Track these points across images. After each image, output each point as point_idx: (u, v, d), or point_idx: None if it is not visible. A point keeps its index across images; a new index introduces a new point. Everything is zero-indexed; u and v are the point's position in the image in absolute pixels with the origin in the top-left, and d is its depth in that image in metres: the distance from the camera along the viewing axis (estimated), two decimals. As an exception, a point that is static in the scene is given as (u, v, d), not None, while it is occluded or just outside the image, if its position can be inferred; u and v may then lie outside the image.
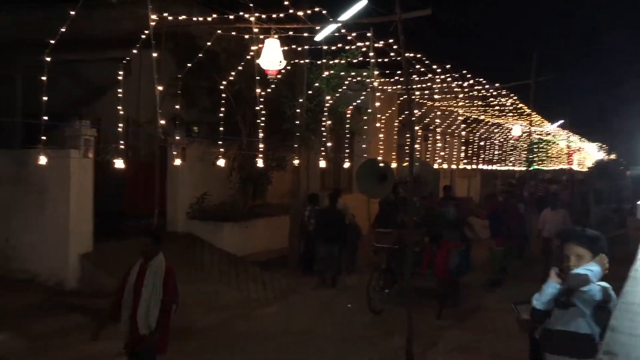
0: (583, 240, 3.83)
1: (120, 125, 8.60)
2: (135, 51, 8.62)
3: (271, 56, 7.47)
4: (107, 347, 7.93)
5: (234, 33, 9.46)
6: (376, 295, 10.05)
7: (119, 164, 7.32)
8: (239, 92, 12.36)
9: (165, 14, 8.32)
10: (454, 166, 24.15)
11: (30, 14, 15.74)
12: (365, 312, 9.82)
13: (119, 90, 8.74)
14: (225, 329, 9.11)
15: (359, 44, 10.10)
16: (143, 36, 8.00)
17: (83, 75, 15.55)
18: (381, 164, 11.19)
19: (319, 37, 10.28)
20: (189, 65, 9.83)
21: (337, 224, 12.16)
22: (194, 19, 9.01)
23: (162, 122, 8.91)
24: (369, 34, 9.59)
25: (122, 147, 8.45)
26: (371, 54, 9.87)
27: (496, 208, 12.33)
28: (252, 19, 7.77)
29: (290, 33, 9.02)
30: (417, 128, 19.24)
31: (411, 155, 6.76)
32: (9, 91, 15.92)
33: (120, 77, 8.88)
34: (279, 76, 9.18)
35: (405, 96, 11.39)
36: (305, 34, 9.73)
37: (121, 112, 8.51)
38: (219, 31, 9.45)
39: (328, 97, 11.76)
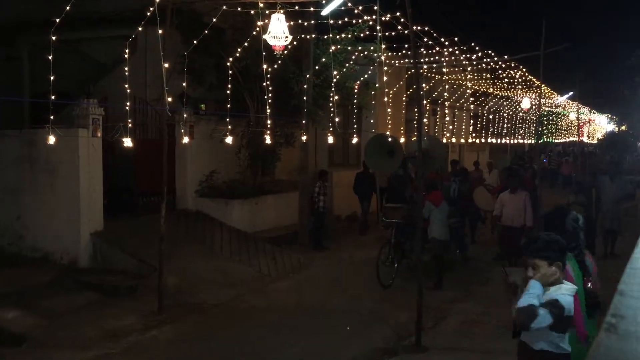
0: (536, 252, 3.78)
1: (128, 103, 8.59)
2: (141, 29, 8.59)
3: (277, 31, 7.43)
4: (126, 323, 8.10)
5: (239, 9, 9.40)
6: (385, 270, 10.09)
7: (127, 142, 7.34)
8: (246, 68, 12.31)
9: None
10: (462, 140, 24.05)
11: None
12: (375, 287, 9.88)
13: (126, 68, 8.72)
14: (238, 305, 9.21)
15: (365, 17, 10.01)
16: (148, 13, 7.98)
17: (90, 54, 15.52)
18: (389, 139, 11.15)
19: (325, 12, 10.19)
20: (195, 42, 9.80)
21: (369, 184, 14.82)
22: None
23: (169, 99, 8.93)
24: (375, 8, 9.50)
25: (129, 125, 8.46)
26: (378, 27, 9.80)
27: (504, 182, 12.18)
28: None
29: (296, 7, 8.95)
30: (425, 102, 19.13)
31: (419, 129, 6.74)
32: (15, 71, 15.93)
33: (126, 55, 8.87)
34: (285, 51, 9.14)
35: (413, 70, 11.34)
36: (311, 9, 9.66)
37: (128, 90, 8.50)
38: (225, 7, 9.39)
39: (335, 73, 11.70)
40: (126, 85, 8.44)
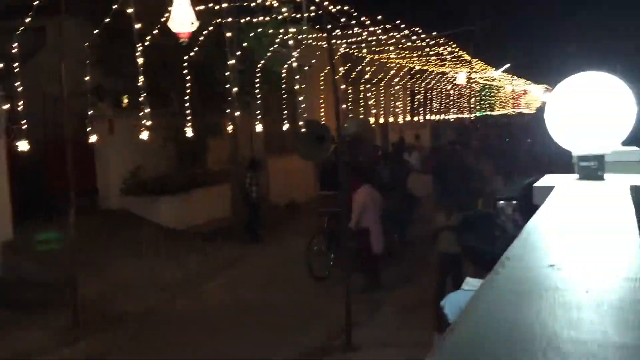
0: None
1: (37, 100, 7.89)
2: (51, 19, 7.89)
3: (182, 17, 6.84)
4: (37, 341, 7.45)
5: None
6: (320, 260, 9.73)
7: (23, 145, 6.69)
8: (164, 57, 11.62)
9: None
10: (400, 120, 23.84)
11: None
12: (311, 279, 9.51)
13: (36, 62, 8.00)
14: (164, 311, 8.70)
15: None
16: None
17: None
18: (318, 124, 10.75)
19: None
20: (103, 29, 9.13)
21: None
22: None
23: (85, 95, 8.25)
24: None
25: (37, 124, 7.77)
26: (303, 8, 9.34)
27: (438, 162, 11.93)
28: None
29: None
30: (360, 84, 18.77)
31: (337, 114, 6.35)
32: None
33: (36, 48, 8.14)
34: (201, 38, 8.58)
35: (341, 51, 10.95)
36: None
37: (38, 86, 7.79)
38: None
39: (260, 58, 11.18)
40: (35, 81, 7.73)
